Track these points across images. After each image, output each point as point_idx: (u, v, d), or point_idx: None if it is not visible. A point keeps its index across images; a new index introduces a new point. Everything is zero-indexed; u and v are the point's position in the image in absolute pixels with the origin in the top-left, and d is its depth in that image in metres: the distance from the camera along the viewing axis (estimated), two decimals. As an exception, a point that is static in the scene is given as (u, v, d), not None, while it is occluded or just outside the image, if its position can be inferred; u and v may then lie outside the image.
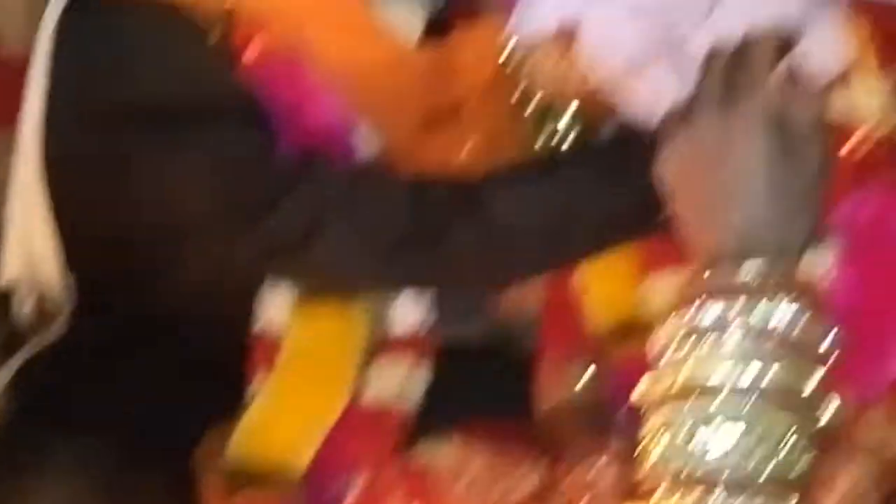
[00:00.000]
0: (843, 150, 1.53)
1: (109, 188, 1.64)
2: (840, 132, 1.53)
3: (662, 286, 1.69)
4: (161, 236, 1.65)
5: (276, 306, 1.76)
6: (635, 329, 1.73)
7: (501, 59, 1.64)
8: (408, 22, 2.36)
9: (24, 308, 1.79)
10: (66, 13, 1.69)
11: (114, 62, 1.61)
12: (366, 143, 1.72)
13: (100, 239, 1.69)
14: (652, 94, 1.46)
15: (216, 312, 1.73)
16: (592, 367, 1.80)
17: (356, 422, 1.77)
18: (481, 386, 1.91)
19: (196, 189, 1.60)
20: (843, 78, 1.52)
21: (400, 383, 1.80)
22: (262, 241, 1.61)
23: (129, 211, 1.64)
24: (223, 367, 1.76)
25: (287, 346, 1.75)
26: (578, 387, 1.79)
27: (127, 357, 1.77)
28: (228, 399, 1.78)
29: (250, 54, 1.63)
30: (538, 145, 1.72)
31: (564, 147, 1.71)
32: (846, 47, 1.50)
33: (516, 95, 1.70)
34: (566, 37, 1.47)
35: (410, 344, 1.80)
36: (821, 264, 1.55)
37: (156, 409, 1.76)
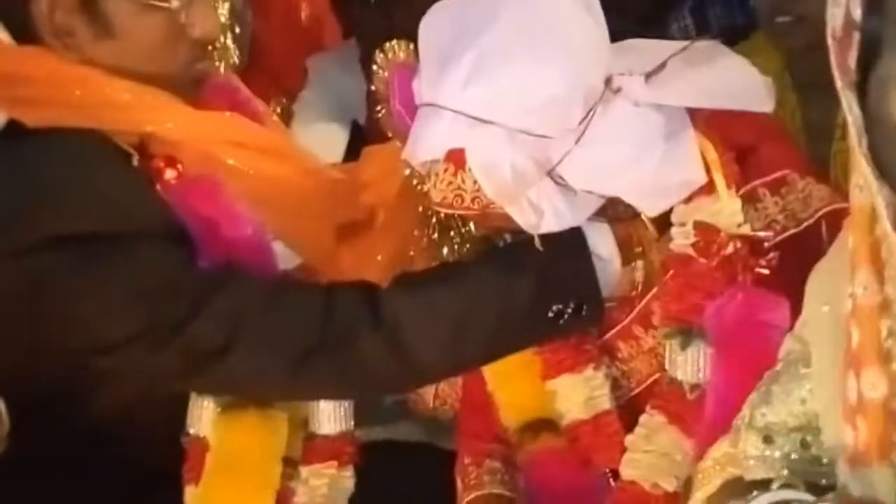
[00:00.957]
0: (710, 255, 1.60)
1: (35, 314, 1.66)
2: (706, 237, 1.60)
3: (563, 389, 1.74)
4: (87, 356, 1.67)
5: (202, 413, 1.80)
6: (543, 428, 1.77)
7: (405, 177, 1.70)
8: (328, 144, 2.47)
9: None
10: None
11: (37, 192, 1.65)
12: (283, 256, 1.78)
13: (27, 361, 1.71)
14: (535, 206, 1.57)
15: (146, 423, 1.77)
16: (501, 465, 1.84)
17: None
18: (408, 483, 1.96)
19: (121, 310, 1.63)
20: (705, 189, 1.62)
21: (328, 485, 1.82)
22: (182, 354, 1.64)
23: (56, 335, 1.67)
24: (156, 475, 1.78)
25: (212, 453, 1.78)
26: (493, 482, 1.83)
27: (64, 470, 1.78)
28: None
29: (168, 175, 1.68)
30: (442, 254, 1.79)
31: (465, 254, 1.78)
32: (701, 161, 1.61)
33: (420, 209, 1.78)
34: (455, 160, 1.56)
35: (335, 446, 1.83)
36: (696, 361, 1.63)
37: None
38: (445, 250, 1.79)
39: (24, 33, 1.70)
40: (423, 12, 1.65)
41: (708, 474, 1.35)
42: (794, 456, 1.29)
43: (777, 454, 1.29)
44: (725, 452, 1.35)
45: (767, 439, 1.31)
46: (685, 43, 1.67)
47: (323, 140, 2.45)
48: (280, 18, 2.74)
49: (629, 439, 1.68)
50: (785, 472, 1.27)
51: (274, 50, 2.63)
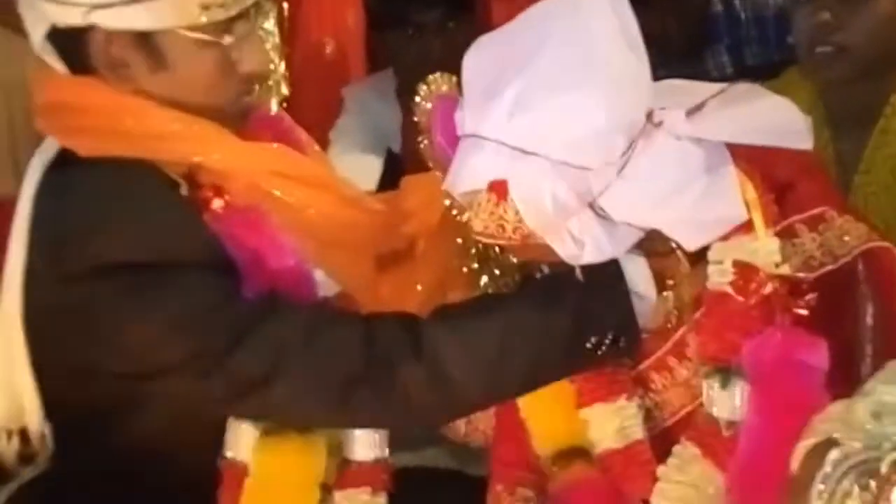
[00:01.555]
0: (749, 294, 1.60)
1: (84, 339, 1.68)
2: (744, 276, 1.61)
3: (596, 418, 1.74)
4: (134, 380, 1.69)
5: (242, 437, 1.80)
6: (575, 456, 1.78)
7: (445, 207, 1.70)
8: (364, 171, 2.48)
9: (8, 448, 1.82)
10: (49, 168, 1.76)
11: (89, 220, 1.67)
12: (324, 284, 1.79)
13: (75, 384, 1.73)
14: (576, 237, 1.58)
15: (184, 447, 1.78)
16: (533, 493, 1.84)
17: None
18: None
19: (166, 337, 1.65)
20: (744, 227, 1.62)
21: None
22: (227, 381, 1.66)
23: (103, 359, 1.69)
24: (193, 498, 1.79)
25: (252, 477, 1.78)
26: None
27: (105, 490, 1.80)
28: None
29: (215, 205, 1.71)
30: (481, 285, 1.80)
31: (504, 286, 1.78)
32: (742, 199, 1.61)
33: (460, 239, 1.78)
34: (498, 190, 1.56)
35: (369, 472, 1.83)
36: (734, 400, 1.62)
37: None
38: (484, 280, 1.79)
39: (79, 64, 1.73)
40: (462, 44, 1.66)
41: (816, 429, 1.36)
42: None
43: (881, 432, 1.29)
44: (838, 412, 1.36)
45: (876, 415, 1.31)
46: (724, 85, 1.68)
47: (359, 167, 2.47)
48: (304, 51, 2.77)
49: (661, 469, 1.68)
50: (882, 450, 1.28)
51: (300, 83, 2.65)
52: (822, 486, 1.27)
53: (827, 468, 1.28)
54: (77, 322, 1.67)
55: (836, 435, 1.32)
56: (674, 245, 1.64)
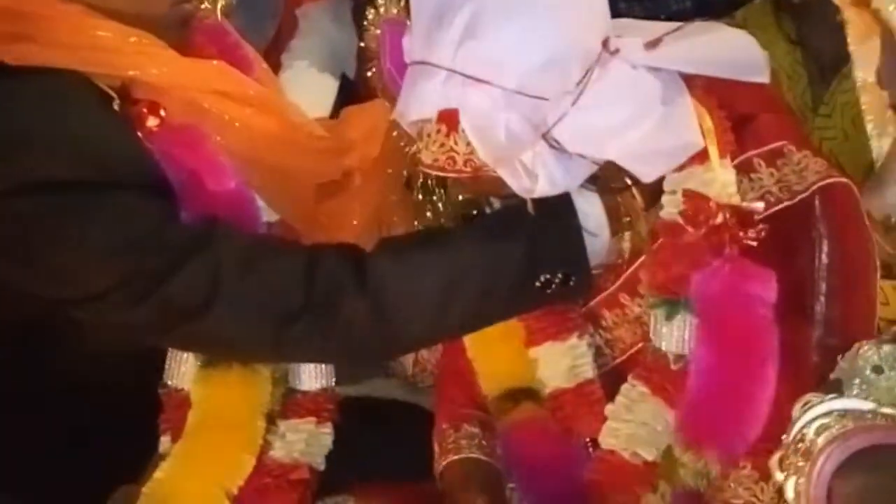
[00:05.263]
0: (699, 224, 1.53)
1: (9, 261, 1.57)
2: (695, 206, 1.53)
3: (546, 357, 1.68)
4: (65, 304, 1.59)
5: (182, 365, 1.73)
6: (523, 396, 1.71)
7: (387, 138, 1.62)
8: (317, 97, 2.38)
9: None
10: None
11: (15, 134, 1.55)
12: (266, 210, 1.69)
13: (3, 306, 1.63)
14: (529, 170, 1.48)
15: (122, 373, 1.70)
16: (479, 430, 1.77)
17: (264, 480, 1.73)
18: (386, 440, 1.89)
19: (99, 260, 1.54)
20: (698, 157, 1.54)
21: (306, 440, 1.76)
22: (159, 309, 1.55)
23: (30, 282, 1.58)
24: (130, 425, 1.72)
25: (194, 408, 1.71)
26: (471, 446, 1.76)
27: (34, 417, 1.72)
28: (136, 459, 1.75)
29: (151, 122, 1.59)
30: (426, 217, 1.71)
31: (450, 220, 1.69)
32: (697, 129, 1.54)
33: (404, 171, 1.70)
34: (448, 121, 1.47)
35: (315, 402, 1.76)
36: (681, 332, 1.56)
37: (63, 469, 1.73)
38: (429, 214, 1.69)
39: None
40: (416, -35, 1.55)
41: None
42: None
43: (882, 384, 1.31)
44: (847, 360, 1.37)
45: (877, 369, 1.33)
46: (682, 24, 1.59)
47: (311, 92, 2.37)
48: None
49: (609, 409, 1.61)
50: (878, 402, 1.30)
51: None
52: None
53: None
54: (5, 242, 1.56)
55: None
56: (629, 181, 1.56)
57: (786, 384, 1.48)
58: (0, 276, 1.60)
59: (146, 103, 1.60)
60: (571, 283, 1.56)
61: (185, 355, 1.71)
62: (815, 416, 1.29)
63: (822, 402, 1.34)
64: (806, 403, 1.30)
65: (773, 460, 1.29)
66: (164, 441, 1.74)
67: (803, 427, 1.28)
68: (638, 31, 1.57)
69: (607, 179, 1.55)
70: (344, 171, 1.80)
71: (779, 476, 1.29)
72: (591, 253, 1.56)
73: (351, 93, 2.38)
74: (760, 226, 1.52)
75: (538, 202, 1.51)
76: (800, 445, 1.28)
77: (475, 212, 1.65)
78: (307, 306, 1.56)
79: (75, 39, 1.58)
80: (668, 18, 1.66)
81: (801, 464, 1.27)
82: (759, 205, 1.53)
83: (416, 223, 1.72)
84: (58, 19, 1.59)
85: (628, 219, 1.60)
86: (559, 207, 1.53)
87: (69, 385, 1.70)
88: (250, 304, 1.56)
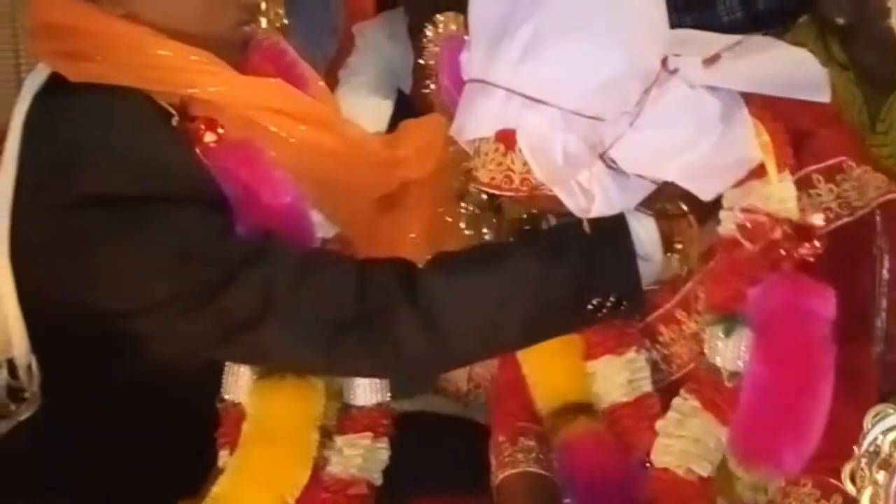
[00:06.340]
0: (756, 239, 1.50)
1: (70, 273, 1.59)
2: (752, 221, 1.50)
3: (604, 371, 1.66)
4: (122, 316, 1.60)
5: (239, 379, 1.71)
6: (578, 410, 1.69)
7: (445, 154, 1.62)
8: (373, 113, 2.38)
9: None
10: (38, 96, 1.66)
11: (78, 149, 1.57)
12: (321, 225, 1.69)
13: (63, 319, 1.64)
14: (585, 189, 1.46)
15: (179, 387, 1.68)
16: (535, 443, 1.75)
17: (322, 496, 1.71)
18: (442, 455, 1.88)
19: (156, 273, 1.55)
20: (756, 172, 1.52)
21: (362, 455, 1.74)
22: (214, 321, 1.56)
23: (90, 295, 1.59)
24: (189, 440, 1.71)
25: (249, 421, 1.69)
26: (528, 460, 1.74)
27: (96, 432, 1.71)
28: (196, 471, 1.73)
29: (208, 138, 1.60)
30: (480, 233, 1.69)
31: (505, 236, 1.67)
32: (756, 144, 1.51)
33: (459, 187, 1.68)
34: (505, 140, 1.45)
35: (371, 417, 1.74)
36: (737, 349, 1.52)
37: (124, 485, 1.72)
38: (484, 229, 1.68)
39: None
40: (474, -18, 1.53)
41: None
42: None
43: None
44: None
45: None
46: (740, 37, 1.57)
47: (368, 108, 2.36)
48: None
49: (661, 424, 1.58)
50: None
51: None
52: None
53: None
54: (63, 255, 1.58)
55: None
56: (685, 207, 1.54)
57: (845, 401, 1.45)
58: (60, 290, 1.61)
59: (204, 120, 1.61)
60: (623, 307, 1.55)
61: (242, 369, 1.70)
62: (888, 427, 1.25)
63: None
64: (878, 414, 1.26)
65: (845, 473, 1.25)
66: (223, 455, 1.72)
67: (876, 439, 1.24)
68: (695, 44, 1.55)
69: (665, 205, 1.53)
70: (400, 185, 1.80)
71: (851, 489, 1.25)
72: (644, 277, 1.54)
73: (407, 108, 2.37)
74: (819, 242, 1.49)
75: (594, 222, 1.49)
76: (874, 457, 1.24)
77: (529, 228, 1.63)
78: (359, 318, 1.55)
79: (136, 58, 1.60)
80: (720, 31, 1.63)
81: (877, 476, 1.23)
82: (819, 219, 1.50)
83: (470, 238, 1.69)
84: (119, 38, 1.61)
85: (681, 245, 1.57)
86: (614, 231, 1.52)
87: (128, 401, 1.70)
88: (303, 316, 1.56)
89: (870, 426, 1.27)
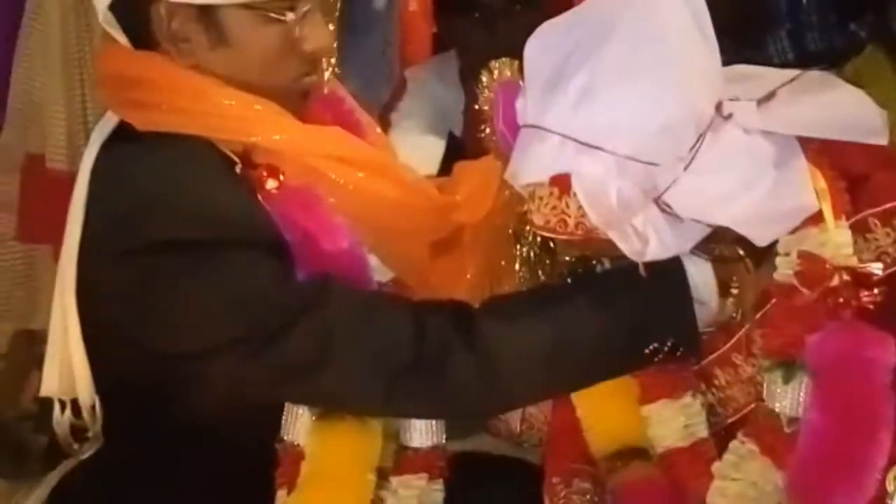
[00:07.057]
0: (814, 286, 1.49)
1: (135, 316, 1.60)
2: (810, 268, 1.49)
3: (659, 415, 1.66)
4: (184, 359, 1.61)
5: (298, 420, 1.72)
6: (633, 454, 1.69)
7: (500, 197, 1.63)
8: (425, 155, 2.39)
9: (61, 423, 1.75)
10: (106, 144, 1.68)
11: (145, 196, 1.59)
12: (378, 269, 1.70)
13: (126, 361, 1.66)
14: (640, 233, 1.47)
15: (239, 429, 1.68)
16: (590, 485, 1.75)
17: None
18: (497, 496, 1.86)
19: (218, 316, 1.57)
20: (813, 219, 1.51)
21: (418, 497, 1.74)
22: (275, 364, 1.57)
23: (153, 337, 1.61)
24: (249, 480, 1.71)
25: (307, 461, 1.70)
26: (583, 502, 1.73)
27: (156, 473, 1.72)
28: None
29: (270, 185, 1.61)
30: (536, 275, 1.70)
31: (560, 278, 1.68)
32: (812, 191, 1.50)
33: (514, 230, 1.70)
34: (560, 184, 1.46)
35: (426, 459, 1.74)
36: (797, 395, 1.52)
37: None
38: (539, 272, 1.69)
39: (141, 38, 1.65)
40: (526, 28, 1.56)
41: None
42: None
43: None
44: None
45: None
46: (796, 72, 1.57)
47: (420, 151, 2.38)
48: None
49: (717, 466, 1.57)
50: None
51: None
52: None
53: None
54: (128, 299, 1.59)
55: None
56: (741, 252, 1.54)
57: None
58: (124, 333, 1.62)
59: (266, 167, 1.62)
60: (679, 352, 1.55)
61: (301, 410, 1.71)
62: None
63: None
64: None
65: None
66: (281, 496, 1.72)
67: None
68: (750, 79, 1.55)
69: (721, 250, 1.53)
70: (455, 227, 1.80)
71: None
72: (700, 321, 1.54)
73: (458, 150, 2.38)
74: (878, 288, 1.48)
75: (650, 266, 1.50)
76: None
77: (584, 270, 1.64)
78: (417, 362, 1.56)
79: (202, 107, 1.62)
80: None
81: None
82: (878, 268, 1.49)
83: (525, 281, 1.70)
84: (183, 87, 1.63)
85: (737, 289, 1.57)
86: (671, 274, 1.52)
87: (188, 441, 1.70)
88: (362, 360, 1.57)
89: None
